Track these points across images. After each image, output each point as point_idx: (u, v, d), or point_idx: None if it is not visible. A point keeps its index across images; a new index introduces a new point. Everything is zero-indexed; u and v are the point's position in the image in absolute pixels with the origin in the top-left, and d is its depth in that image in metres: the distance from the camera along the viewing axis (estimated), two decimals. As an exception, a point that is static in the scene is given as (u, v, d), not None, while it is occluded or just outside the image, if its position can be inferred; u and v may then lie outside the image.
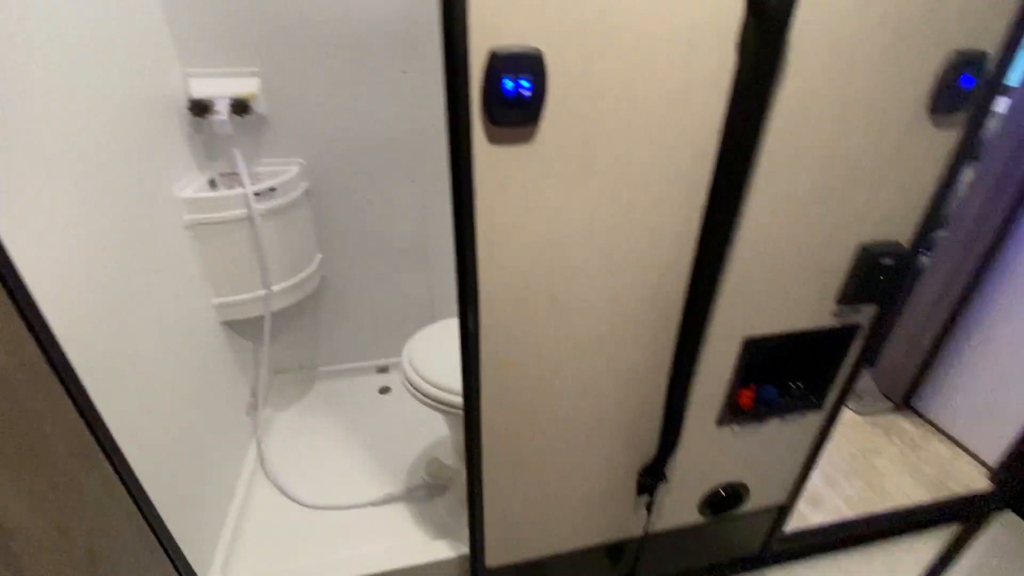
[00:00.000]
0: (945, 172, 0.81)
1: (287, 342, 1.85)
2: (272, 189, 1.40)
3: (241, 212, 1.34)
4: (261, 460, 1.55)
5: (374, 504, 1.42)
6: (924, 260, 1.80)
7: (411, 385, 1.21)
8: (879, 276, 0.88)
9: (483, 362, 0.82)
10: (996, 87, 0.75)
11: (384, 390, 1.88)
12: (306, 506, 1.41)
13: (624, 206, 0.73)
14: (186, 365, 1.21)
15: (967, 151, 0.79)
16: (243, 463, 1.52)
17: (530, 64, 0.60)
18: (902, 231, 0.87)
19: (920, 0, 0.68)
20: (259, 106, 1.42)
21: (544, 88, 0.62)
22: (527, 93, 0.61)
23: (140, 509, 0.93)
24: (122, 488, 0.89)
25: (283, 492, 1.45)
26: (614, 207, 0.73)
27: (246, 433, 1.59)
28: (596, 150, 0.68)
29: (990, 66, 0.74)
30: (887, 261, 0.86)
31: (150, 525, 0.96)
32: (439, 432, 1.67)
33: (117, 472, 0.87)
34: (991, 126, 2.25)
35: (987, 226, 1.54)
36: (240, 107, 1.37)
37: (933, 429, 1.85)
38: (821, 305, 0.93)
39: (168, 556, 1.03)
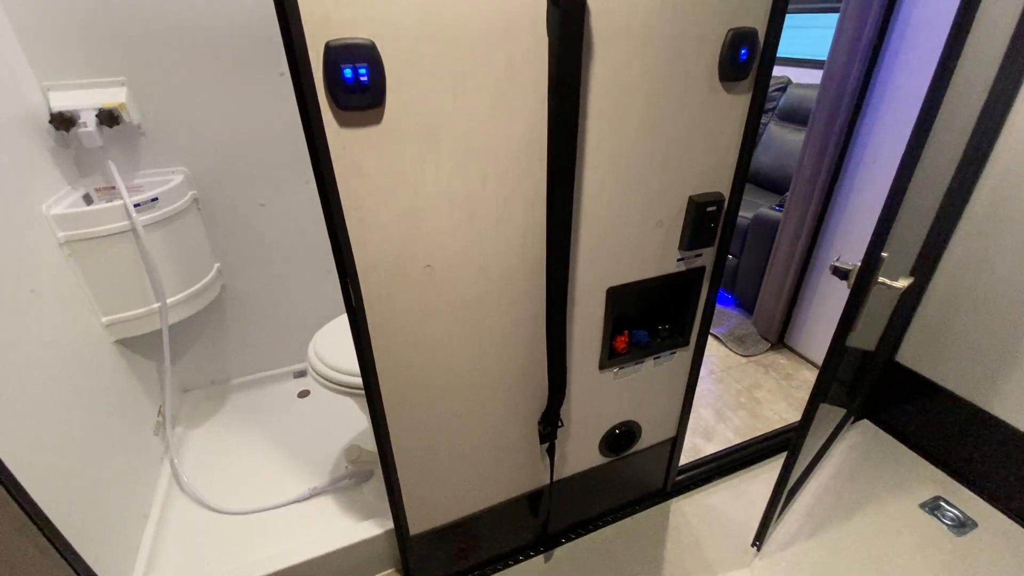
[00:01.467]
0: (743, 129, 0.99)
1: (195, 358, 1.81)
2: (154, 199, 1.39)
3: (122, 225, 1.32)
4: (176, 477, 1.52)
5: (300, 500, 1.44)
6: (778, 214, 2.07)
7: (316, 373, 1.25)
8: (708, 223, 1.04)
9: (373, 337, 0.89)
10: (768, 57, 0.92)
11: (303, 394, 1.89)
12: (228, 514, 1.41)
13: (477, 176, 0.83)
14: (80, 390, 1.18)
15: (757, 112, 0.97)
16: (157, 483, 1.48)
17: (365, 52, 0.68)
18: (722, 182, 1.04)
19: None
20: (130, 116, 1.39)
21: (382, 73, 0.70)
22: (365, 79, 0.69)
23: (51, 541, 0.92)
24: (31, 524, 0.88)
25: (203, 504, 1.44)
26: (467, 177, 0.83)
27: (158, 453, 1.55)
28: (440, 127, 0.77)
29: (760, 40, 0.91)
30: (712, 209, 1.03)
31: (63, 556, 0.95)
32: (361, 426, 1.71)
33: (22, 508, 0.86)
34: (808, 95, 2.58)
35: (818, 181, 1.81)
36: (108, 118, 1.35)
37: (802, 360, 2.13)
38: (668, 253, 1.08)
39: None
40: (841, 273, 0.95)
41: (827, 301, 1.96)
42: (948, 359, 1.58)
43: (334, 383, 1.21)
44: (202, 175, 1.56)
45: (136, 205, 1.34)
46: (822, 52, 2.72)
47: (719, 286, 1.16)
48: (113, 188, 1.40)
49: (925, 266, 1.53)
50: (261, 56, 1.49)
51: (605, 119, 0.86)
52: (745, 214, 2.23)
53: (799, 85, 2.71)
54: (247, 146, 1.57)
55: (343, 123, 0.71)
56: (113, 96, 1.36)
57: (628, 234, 1.00)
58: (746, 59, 0.91)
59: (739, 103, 0.96)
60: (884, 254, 0.90)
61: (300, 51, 0.65)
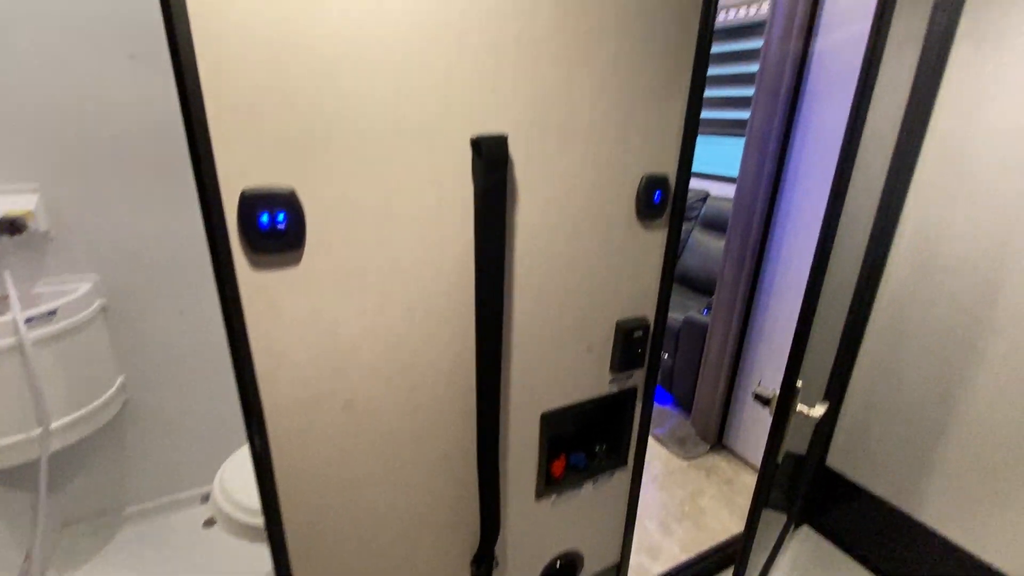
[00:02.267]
0: (663, 260, 1.04)
1: (84, 484, 1.58)
2: (51, 313, 1.27)
3: (8, 342, 1.18)
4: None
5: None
6: (706, 318, 2.16)
7: (220, 510, 1.11)
8: (635, 347, 1.06)
9: (280, 481, 0.81)
10: (680, 198, 1.01)
11: (209, 522, 1.67)
12: None
13: (402, 311, 0.81)
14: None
15: (674, 245, 1.03)
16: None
17: (284, 200, 0.67)
18: (647, 307, 1.08)
19: (615, 144, 0.91)
20: (38, 223, 1.31)
21: (302, 218, 0.69)
22: (282, 226, 0.67)
23: None
24: None
25: None
26: (393, 313, 0.80)
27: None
28: (364, 265, 0.76)
29: (671, 184, 0.99)
30: (638, 333, 1.05)
31: None
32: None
33: None
34: (725, 207, 2.85)
35: (739, 290, 1.93)
36: (11, 227, 1.25)
37: (742, 463, 2.14)
38: (600, 376, 1.08)
39: None
40: (763, 400, 0.97)
41: (757, 404, 2.02)
42: (873, 464, 1.63)
43: (239, 525, 1.07)
44: (115, 282, 1.46)
45: (28, 320, 1.21)
46: (734, 169, 3.04)
47: (652, 406, 1.16)
48: (7, 298, 1.27)
49: (840, 378, 1.62)
50: (184, 160, 1.47)
51: (532, 256, 0.88)
52: (676, 315, 2.32)
53: (716, 198, 2.98)
54: (167, 251, 1.50)
55: (257, 266, 0.68)
56: (21, 203, 1.27)
57: (560, 359, 1.00)
58: (660, 200, 0.98)
59: (657, 238, 1.02)
60: (799, 383, 0.94)
61: (213, 197, 0.63)
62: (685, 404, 2.36)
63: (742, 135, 1.94)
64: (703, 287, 2.77)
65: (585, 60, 0.86)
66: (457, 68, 0.76)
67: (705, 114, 3.20)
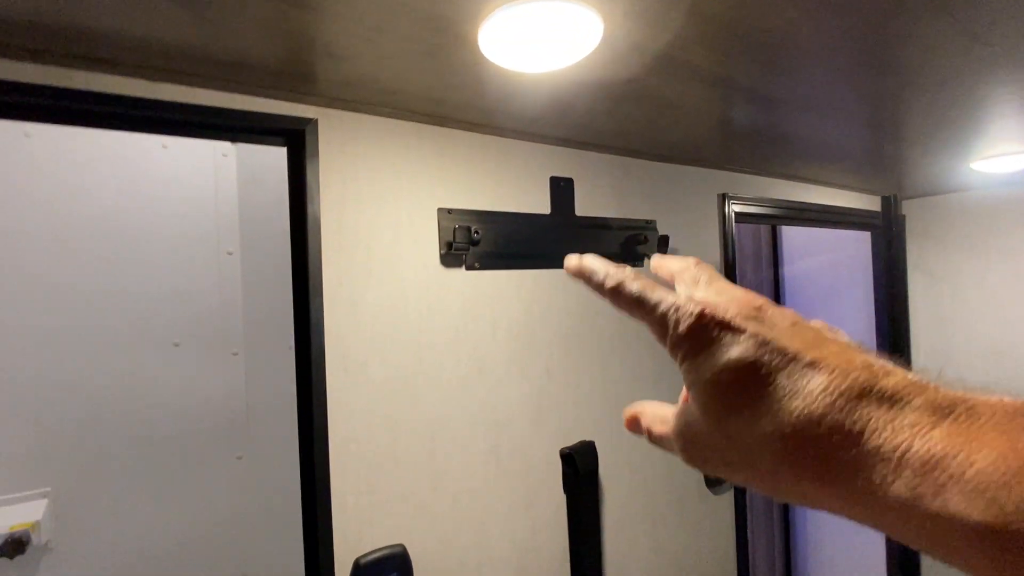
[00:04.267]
0: (734, 526, 1.03)
1: None
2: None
3: None
4: None
5: None
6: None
7: None
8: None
9: None
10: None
11: None
12: None
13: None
14: None
15: (743, 511, 1.05)
16: None
17: (394, 560, 0.65)
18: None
19: None
20: (41, 535, 1.18)
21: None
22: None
23: None
24: None
25: None
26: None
27: None
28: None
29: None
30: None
31: None
32: None
33: None
34: None
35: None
36: (16, 546, 1.12)
37: None
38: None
39: None
40: None
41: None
42: None
43: None
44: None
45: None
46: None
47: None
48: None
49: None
50: (219, 440, 1.42)
51: (616, 535, 1.02)
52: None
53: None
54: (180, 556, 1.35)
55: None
56: (30, 513, 1.16)
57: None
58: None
59: (725, 505, 1.02)
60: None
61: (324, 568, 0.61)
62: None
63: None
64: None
65: (647, 354, 1.07)
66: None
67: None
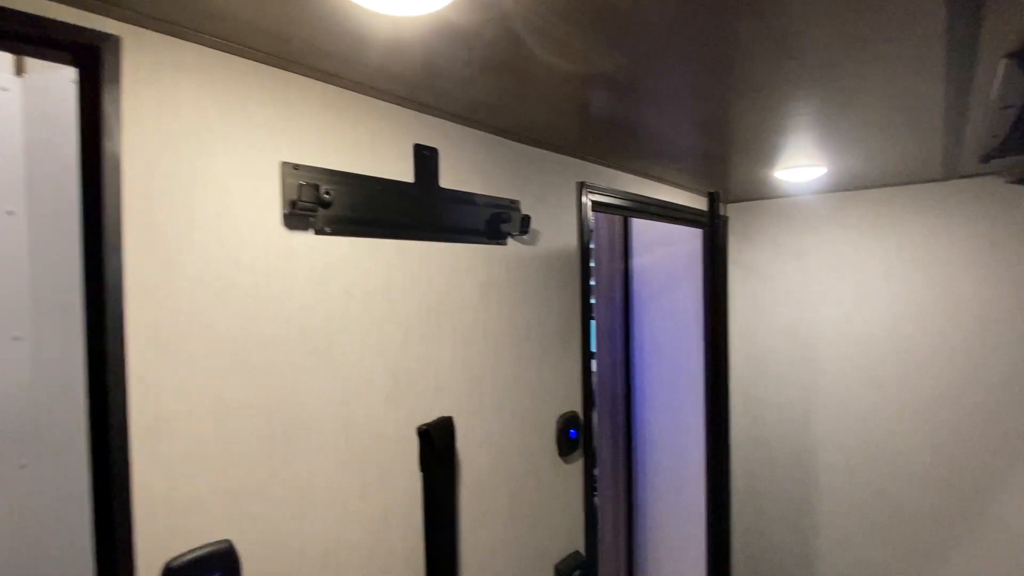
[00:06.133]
0: (583, 492, 1.10)
1: None
2: None
3: None
4: None
5: None
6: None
7: None
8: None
9: None
10: (590, 433, 1.12)
11: None
12: None
13: None
14: None
15: (591, 476, 1.12)
16: None
17: (216, 559, 0.57)
18: (577, 541, 1.09)
19: (532, 397, 1.16)
20: None
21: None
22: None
23: None
24: None
25: None
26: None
27: None
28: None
29: (582, 419, 1.09)
30: (578, 572, 1.05)
31: None
32: None
33: None
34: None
35: (620, 474, 2.05)
36: None
37: None
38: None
39: None
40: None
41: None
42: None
43: None
44: None
45: None
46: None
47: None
48: None
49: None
50: None
51: (476, 511, 1.03)
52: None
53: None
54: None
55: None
56: None
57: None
58: (576, 436, 1.07)
59: (575, 471, 1.09)
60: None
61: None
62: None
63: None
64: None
65: (508, 330, 1.10)
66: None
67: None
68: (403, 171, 0.95)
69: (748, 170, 1.58)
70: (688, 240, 2.07)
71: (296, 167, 0.78)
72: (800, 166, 1.52)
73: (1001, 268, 1.56)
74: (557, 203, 1.27)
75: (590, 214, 1.38)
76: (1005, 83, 0.89)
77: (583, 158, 1.37)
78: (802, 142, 1.28)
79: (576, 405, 1.22)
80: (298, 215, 0.78)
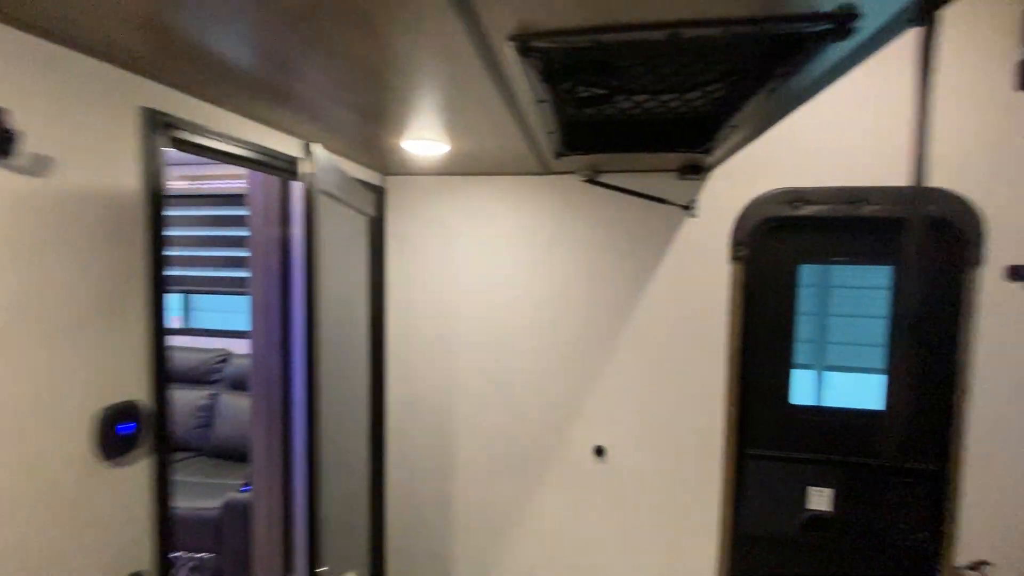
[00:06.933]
0: (153, 499, 0.87)
1: None
2: None
3: None
4: None
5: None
6: (248, 495, 1.95)
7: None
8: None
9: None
10: (163, 425, 0.89)
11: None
12: None
13: None
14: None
15: (165, 478, 0.90)
16: None
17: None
18: (141, 561, 0.87)
19: (50, 389, 0.82)
20: None
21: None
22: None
23: None
24: None
25: None
26: None
27: None
28: None
29: (149, 408, 0.86)
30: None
31: None
32: None
33: None
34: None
35: (274, 459, 1.85)
36: None
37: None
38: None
39: None
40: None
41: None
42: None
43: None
44: None
45: None
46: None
47: None
48: None
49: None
50: None
51: None
52: (212, 502, 2.02)
53: (241, 355, 2.87)
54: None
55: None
56: None
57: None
58: (133, 431, 0.85)
59: (137, 474, 0.87)
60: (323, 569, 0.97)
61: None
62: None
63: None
64: (243, 455, 2.54)
65: None
66: None
67: (210, 273, 3.11)
68: None
69: (391, 140, 1.53)
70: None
71: None
72: (424, 139, 1.56)
73: (580, 251, 2.02)
74: (102, 129, 0.95)
75: (161, 152, 1.05)
76: (523, 73, 0.86)
77: (156, 79, 1.05)
78: (420, 116, 1.24)
79: (136, 392, 0.94)
80: None
